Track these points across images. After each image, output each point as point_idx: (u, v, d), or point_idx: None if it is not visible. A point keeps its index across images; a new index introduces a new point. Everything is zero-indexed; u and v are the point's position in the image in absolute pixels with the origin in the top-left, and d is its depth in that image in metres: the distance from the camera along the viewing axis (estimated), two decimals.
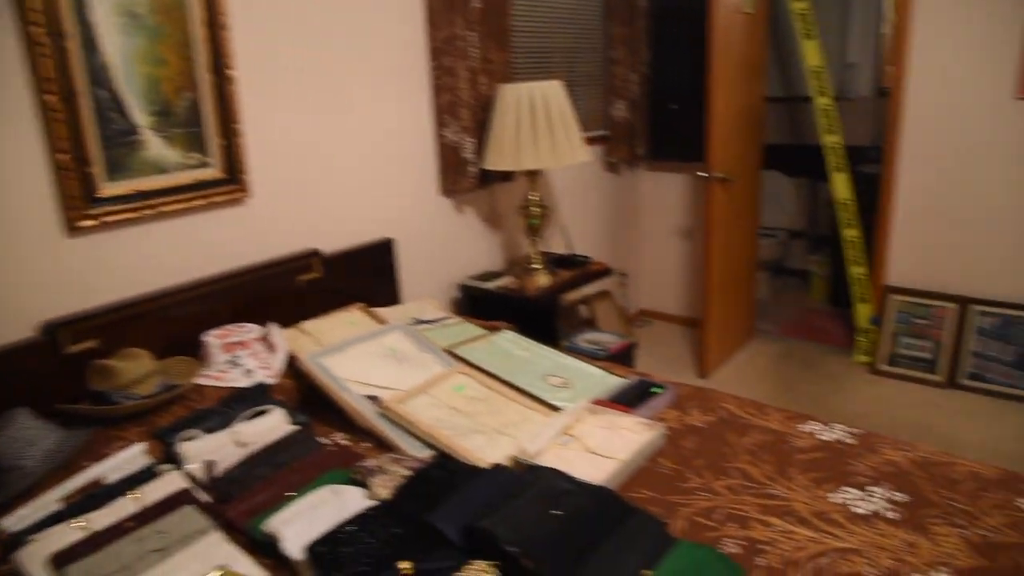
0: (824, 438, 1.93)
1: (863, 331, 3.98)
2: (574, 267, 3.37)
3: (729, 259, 3.91)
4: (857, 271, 3.94)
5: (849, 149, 4.80)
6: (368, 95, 2.89)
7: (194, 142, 2.45)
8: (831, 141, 3.87)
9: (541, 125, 2.99)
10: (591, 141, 4.07)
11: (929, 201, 3.71)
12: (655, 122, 4.29)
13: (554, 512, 1.53)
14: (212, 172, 2.51)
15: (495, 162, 3.06)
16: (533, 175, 3.20)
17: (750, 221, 4.11)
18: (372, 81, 2.90)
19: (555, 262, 3.41)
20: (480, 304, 3.28)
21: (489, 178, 3.33)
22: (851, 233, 3.92)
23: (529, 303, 3.08)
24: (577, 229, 4.09)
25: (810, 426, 2.00)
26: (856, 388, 3.75)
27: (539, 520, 1.51)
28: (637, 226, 4.69)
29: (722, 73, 3.49)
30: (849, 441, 1.92)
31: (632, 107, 4.11)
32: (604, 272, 3.42)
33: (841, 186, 3.90)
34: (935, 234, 3.72)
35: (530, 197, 3.22)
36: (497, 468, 1.76)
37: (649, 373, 2.42)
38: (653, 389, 2.17)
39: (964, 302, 3.68)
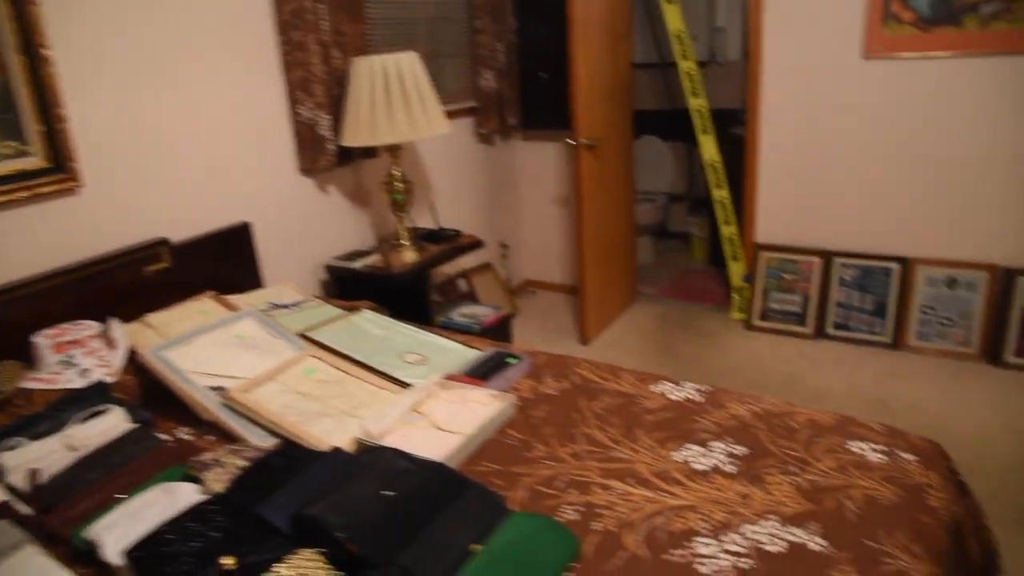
0: (673, 397, 1.94)
1: (737, 289, 4.08)
2: (444, 241, 3.30)
3: (604, 225, 3.92)
4: (728, 231, 4.02)
5: (722, 112, 4.90)
6: (211, 73, 2.74)
7: (9, 130, 2.26)
8: (696, 104, 3.92)
9: (396, 98, 2.90)
10: (460, 113, 4.00)
11: (790, 160, 3.80)
12: (526, 91, 4.25)
13: (385, 493, 1.49)
14: (34, 162, 2.32)
15: (352, 138, 2.96)
16: (394, 150, 3.11)
17: (624, 186, 4.14)
18: (215, 58, 2.74)
19: (424, 237, 3.34)
20: (348, 285, 3.18)
21: (350, 155, 3.22)
22: (720, 194, 3.99)
23: (395, 280, 3.00)
24: (453, 203, 4.03)
25: (661, 386, 2.01)
26: (732, 344, 3.84)
27: (369, 503, 1.45)
28: (516, 196, 4.66)
29: (583, 39, 3.47)
30: (697, 399, 1.93)
31: (500, 77, 4.06)
32: (475, 245, 3.37)
33: (709, 148, 3.96)
34: (798, 191, 3.83)
35: (393, 172, 3.13)
36: (335, 452, 1.69)
37: (508, 344, 2.39)
38: (508, 360, 2.14)
39: (827, 255, 3.80)
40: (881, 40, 3.42)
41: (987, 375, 3.38)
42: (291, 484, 1.59)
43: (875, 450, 1.67)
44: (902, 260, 3.64)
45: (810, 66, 3.61)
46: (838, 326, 3.80)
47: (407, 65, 2.94)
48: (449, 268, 4.00)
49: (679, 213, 5.75)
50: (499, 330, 3.41)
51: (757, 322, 3.98)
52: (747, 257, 4.04)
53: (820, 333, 3.84)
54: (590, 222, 3.74)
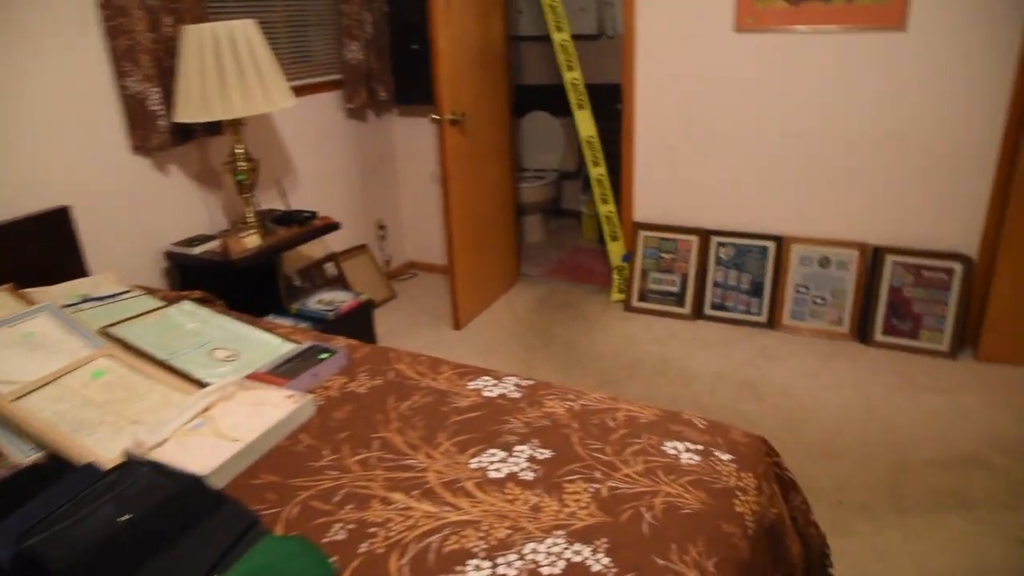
0: (489, 394, 1.78)
1: (617, 269, 3.96)
2: (296, 224, 3.07)
3: (476, 205, 3.75)
4: (606, 209, 3.89)
5: (609, 87, 4.77)
6: (19, 39, 2.42)
7: None
8: (571, 78, 3.76)
9: (230, 70, 2.65)
10: (324, 87, 3.76)
11: (666, 136, 3.69)
12: (399, 64, 4.02)
13: (122, 519, 1.28)
14: None
15: (184, 113, 2.69)
16: (236, 126, 2.86)
17: (500, 164, 3.96)
18: (24, 22, 2.43)
19: (277, 220, 3.10)
20: (189, 273, 2.93)
21: (192, 132, 2.94)
22: (598, 171, 3.85)
23: (234, 267, 2.76)
24: (320, 182, 3.79)
25: (480, 382, 1.85)
26: (609, 327, 3.73)
27: (98, 530, 1.25)
28: (395, 174, 4.44)
29: (444, 8, 3.26)
30: (514, 395, 1.78)
31: (368, 48, 3.82)
32: (330, 227, 3.15)
33: (584, 123, 3.82)
34: (674, 168, 3.72)
35: (236, 151, 2.88)
36: (84, 469, 1.48)
37: (331, 337, 2.19)
38: (321, 355, 1.95)
39: (705, 234, 3.72)
40: (752, 13, 3.32)
41: (857, 354, 3.35)
42: (22, 509, 1.37)
43: (691, 450, 1.54)
44: (777, 239, 3.58)
45: (684, 39, 3.49)
46: (716, 306, 3.73)
47: (242, 34, 2.68)
48: (315, 251, 3.76)
49: (572, 191, 5.62)
50: (358, 318, 3.21)
51: (636, 303, 3.87)
52: (626, 236, 3.93)
53: (698, 313, 3.76)
54: (458, 202, 3.56)
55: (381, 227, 4.36)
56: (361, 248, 4.17)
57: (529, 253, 4.92)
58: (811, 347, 3.44)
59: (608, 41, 5.07)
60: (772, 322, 3.60)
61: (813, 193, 3.47)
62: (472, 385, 1.84)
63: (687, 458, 1.51)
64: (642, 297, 3.87)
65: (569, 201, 5.70)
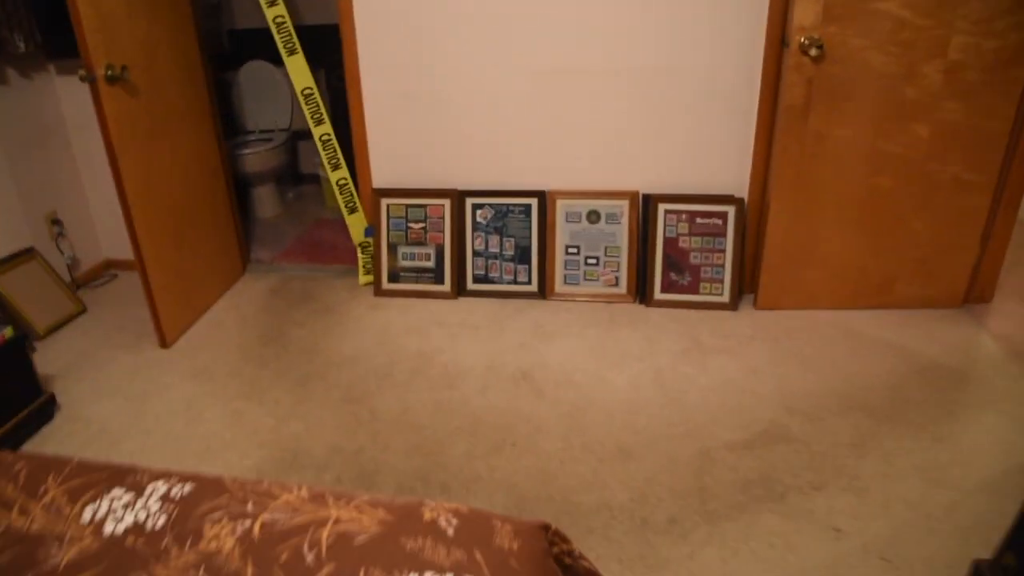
0: (114, 529, 1.07)
1: (361, 246, 3.29)
2: None
3: (170, 184, 2.91)
4: (337, 176, 3.19)
5: (329, 28, 4.01)
6: None
7: None
8: (274, 15, 2.98)
9: None
10: None
11: (398, 82, 3.04)
12: (41, 4, 3.00)
13: None
14: None
15: None
16: None
17: (200, 128, 3.12)
18: None
19: None
20: None
21: None
22: (321, 131, 3.13)
23: None
24: None
25: (106, 503, 1.14)
26: (357, 319, 3.07)
27: None
28: (66, 150, 3.43)
29: None
30: (157, 522, 1.08)
31: None
32: None
33: (298, 72, 3.06)
34: (414, 120, 3.09)
35: None
36: None
37: None
38: None
39: (458, 196, 3.14)
40: None
41: (639, 318, 2.97)
42: None
43: None
44: (539, 194, 3.09)
45: None
46: (479, 279, 3.19)
47: None
48: None
49: (310, 152, 4.83)
50: (5, 363, 2.29)
51: (387, 285, 3.24)
52: (366, 206, 3.26)
53: (460, 290, 3.21)
54: (138, 185, 2.70)
55: (55, 222, 3.35)
56: (26, 253, 3.16)
57: (263, 232, 4.11)
58: (590, 315, 3.01)
59: None
60: (544, 290, 3.13)
61: (574, 140, 3.00)
62: (88, 514, 1.11)
63: None
64: (393, 277, 3.24)
65: (308, 165, 4.90)
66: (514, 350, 2.79)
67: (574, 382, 2.57)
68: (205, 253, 3.17)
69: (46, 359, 2.90)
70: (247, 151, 4.07)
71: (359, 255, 3.32)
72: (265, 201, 4.35)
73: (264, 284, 3.48)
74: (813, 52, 2.48)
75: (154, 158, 2.79)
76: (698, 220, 2.97)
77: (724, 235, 2.97)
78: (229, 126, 4.67)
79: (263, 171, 4.19)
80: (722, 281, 2.99)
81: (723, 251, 2.98)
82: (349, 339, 2.94)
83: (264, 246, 3.88)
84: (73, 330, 3.16)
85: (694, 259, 3.00)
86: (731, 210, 2.95)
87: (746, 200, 2.96)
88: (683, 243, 3.00)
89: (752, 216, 2.97)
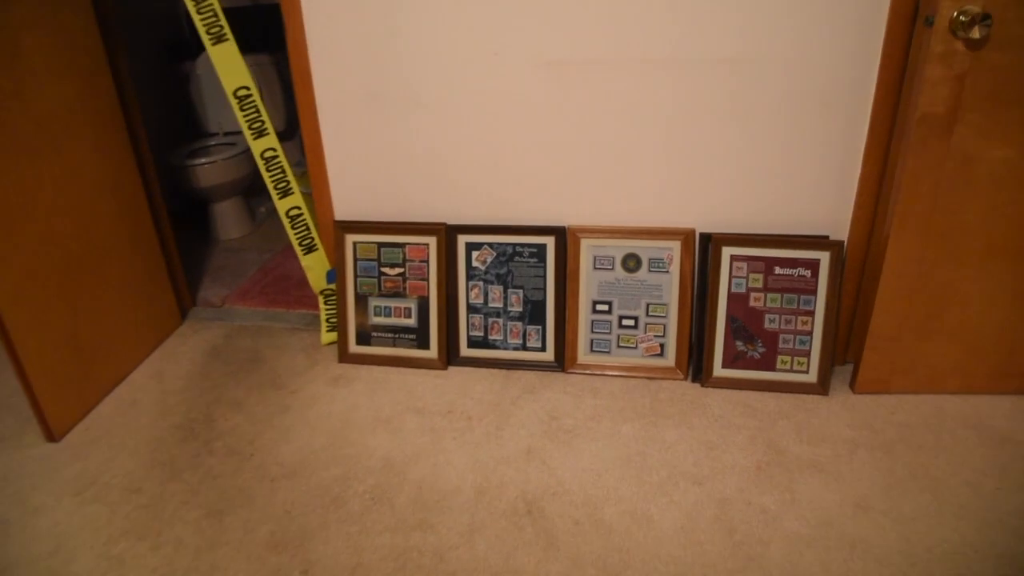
0: None
1: (324, 295, 2.49)
2: None
3: (47, 223, 2.13)
4: (288, 205, 2.38)
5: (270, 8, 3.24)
6: None
7: None
8: None
9: None
10: None
11: (363, 78, 2.21)
12: None
13: None
14: None
15: None
16: None
17: (98, 141, 2.34)
18: None
19: None
20: None
21: None
22: (263, 145, 2.31)
23: None
24: None
25: None
26: (311, 401, 2.29)
27: None
28: None
29: None
30: None
31: None
32: None
33: (228, 66, 2.24)
34: (385, 128, 2.27)
35: None
36: None
37: None
38: None
39: (447, 232, 2.32)
40: None
41: (692, 405, 2.16)
42: None
43: None
44: (557, 231, 2.25)
45: None
46: (476, 342, 2.37)
47: None
48: None
49: (292, 153, 4.03)
50: None
51: (356, 348, 2.44)
52: (327, 243, 2.45)
53: (452, 358, 2.39)
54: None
55: None
56: None
57: (221, 261, 3.34)
58: (624, 399, 2.19)
59: None
60: (562, 361, 2.31)
61: (604, 157, 2.16)
62: None
63: None
64: (363, 338, 2.43)
65: None
66: (518, 460, 1.97)
67: (602, 522, 1.75)
68: (117, 309, 2.40)
69: None
70: (202, 160, 3.29)
71: (321, 307, 2.52)
72: (230, 218, 3.57)
73: (204, 339, 2.70)
74: (975, 33, 1.60)
75: (18, 189, 2.00)
76: (777, 270, 2.12)
77: (814, 291, 2.12)
78: (188, 129, 3.89)
79: (225, 183, 3.41)
80: (808, 354, 2.15)
81: (811, 313, 2.13)
82: (295, 435, 2.14)
83: (217, 281, 3.10)
84: None
85: (770, 323, 2.15)
86: (825, 257, 2.09)
87: (846, 244, 2.10)
88: (755, 301, 2.15)
89: (853, 266, 2.12)
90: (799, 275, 2.13)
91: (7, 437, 2.24)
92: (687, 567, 1.61)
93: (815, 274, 2.12)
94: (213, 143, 3.56)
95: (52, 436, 2.19)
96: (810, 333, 2.15)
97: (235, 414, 2.26)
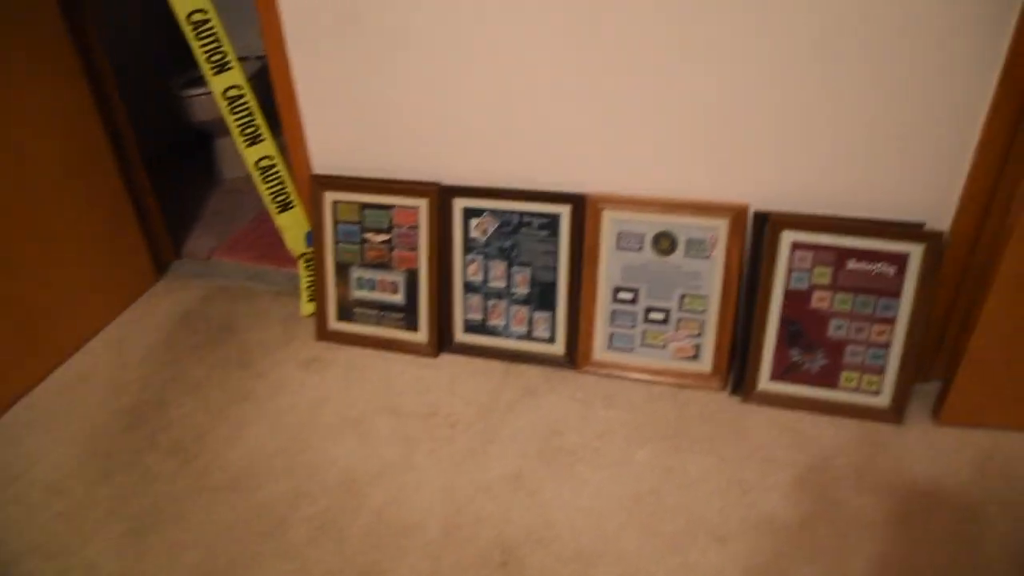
0: None
1: (304, 259, 2.13)
2: None
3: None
4: (257, 152, 1.99)
5: None
6: None
7: None
8: None
9: None
10: None
11: (338, 22, 1.77)
12: None
13: None
14: None
15: None
16: None
17: (42, 77, 2.00)
18: None
19: None
20: None
21: None
22: (225, 81, 1.91)
23: None
24: None
25: None
26: (276, 389, 1.97)
27: None
28: None
29: None
30: None
31: None
32: None
33: None
34: (368, 63, 1.85)
35: None
36: None
37: None
38: None
39: (442, 193, 1.91)
40: None
41: (729, 428, 1.73)
42: None
43: None
44: (575, 198, 1.81)
45: None
46: (473, 327, 1.98)
47: None
48: None
49: None
50: None
51: (336, 325, 2.09)
52: (305, 200, 2.07)
53: (444, 343, 2.01)
54: None
55: None
56: None
57: (218, 205, 3.01)
58: (645, 413, 1.78)
59: None
60: (573, 357, 1.90)
61: (635, 109, 1.69)
62: None
63: None
64: (345, 313, 2.07)
65: None
66: (502, 488, 1.60)
67: (624, 556, 1.37)
68: (70, 268, 2.09)
69: None
70: (200, 91, 2.92)
71: (302, 273, 2.16)
72: (232, 157, 3.21)
73: (178, 302, 2.38)
74: None
75: None
76: (851, 264, 1.65)
77: (897, 293, 1.64)
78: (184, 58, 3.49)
79: (210, 119, 3.04)
80: (882, 371, 1.69)
81: (891, 320, 1.66)
82: (250, 432, 1.82)
83: (209, 229, 2.77)
84: None
85: (836, 330, 1.69)
86: (916, 251, 1.61)
87: (946, 236, 1.60)
88: (820, 301, 1.69)
89: (954, 263, 1.62)
90: (879, 272, 1.65)
91: None
92: None
93: (901, 271, 1.64)
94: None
95: None
96: (887, 346, 1.69)
97: (190, 399, 1.95)
